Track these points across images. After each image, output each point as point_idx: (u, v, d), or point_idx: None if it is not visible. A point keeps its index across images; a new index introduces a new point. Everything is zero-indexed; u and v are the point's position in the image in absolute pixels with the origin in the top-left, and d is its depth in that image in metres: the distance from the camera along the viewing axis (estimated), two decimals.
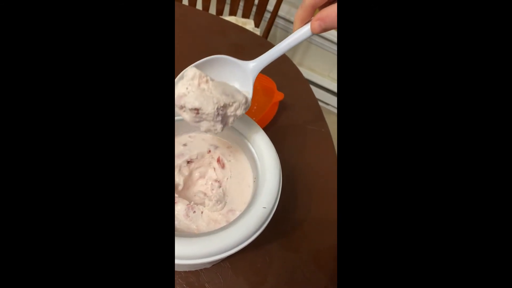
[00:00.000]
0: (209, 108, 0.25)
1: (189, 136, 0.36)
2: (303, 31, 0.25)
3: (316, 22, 0.23)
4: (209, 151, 0.35)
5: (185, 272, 0.33)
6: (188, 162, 0.34)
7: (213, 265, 0.34)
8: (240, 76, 0.28)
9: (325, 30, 0.23)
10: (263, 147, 0.31)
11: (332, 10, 0.22)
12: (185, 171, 0.34)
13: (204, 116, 0.25)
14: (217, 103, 0.25)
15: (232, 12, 1.00)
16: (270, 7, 0.97)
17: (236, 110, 0.27)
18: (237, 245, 0.25)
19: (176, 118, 0.34)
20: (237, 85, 0.28)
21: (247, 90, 0.28)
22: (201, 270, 0.33)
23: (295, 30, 0.25)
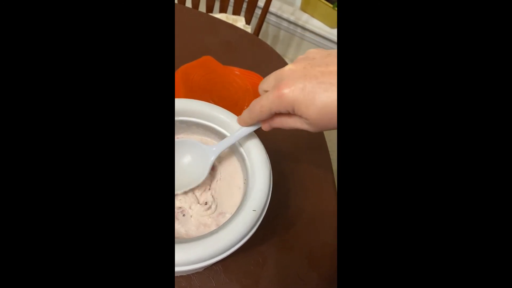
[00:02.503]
0: None
1: (177, 138, 0.35)
2: (248, 130, 0.30)
3: (266, 125, 0.29)
4: None
5: (176, 277, 0.32)
6: None
7: (205, 268, 0.33)
8: (202, 157, 0.32)
9: (272, 128, 0.29)
10: (252, 148, 0.30)
11: (277, 119, 0.28)
12: None
13: None
14: None
15: (223, 9, 0.99)
16: (261, 3, 0.96)
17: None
18: (227, 250, 0.24)
19: None
20: (199, 162, 0.32)
21: (205, 170, 0.31)
22: (192, 274, 0.33)
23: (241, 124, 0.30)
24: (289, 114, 0.26)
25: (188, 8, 0.74)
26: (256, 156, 0.30)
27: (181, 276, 0.32)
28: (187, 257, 0.23)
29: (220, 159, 0.34)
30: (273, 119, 0.28)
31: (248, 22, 1.00)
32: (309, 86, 0.23)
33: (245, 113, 0.29)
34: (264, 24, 1.29)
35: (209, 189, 0.32)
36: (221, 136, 0.34)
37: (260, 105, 0.26)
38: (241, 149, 0.32)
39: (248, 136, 0.32)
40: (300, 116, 0.25)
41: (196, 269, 0.31)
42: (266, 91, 0.26)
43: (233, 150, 0.34)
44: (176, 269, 0.23)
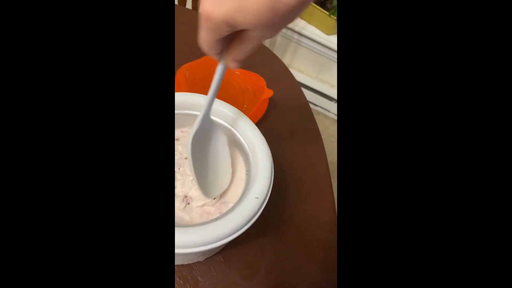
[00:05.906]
0: None
1: (182, 131, 0.36)
2: (221, 70, 0.26)
3: (233, 64, 0.24)
4: None
5: (178, 265, 0.33)
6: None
7: (206, 258, 0.34)
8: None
9: (238, 61, 0.24)
10: (254, 140, 0.32)
11: (232, 49, 0.23)
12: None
13: None
14: None
15: None
16: None
17: None
18: (231, 234, 0.25)
19: None
20: None
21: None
22: (194, 263, 0.33)
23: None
24: (237, 33, 0.21)
25: (188, 9, 0.75)
26: (258, 148, 0.31)
27: (182, 265, 0.33)
28: (192, 240, 0.24)
29: None
30: (229, 50, 0.23)
31: None
32: None
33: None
34: None
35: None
36: (224, 128, 0.35)
37: (202, 39, 0.22)
38: (243, 142, 0.33)
39: (249, 130, 0.33)
40: (244, 29, 0.20)
41: (198, 256, 0.32)
42: None
43: (236, 143, 0.35)
44: (181, 251, 0.24)
